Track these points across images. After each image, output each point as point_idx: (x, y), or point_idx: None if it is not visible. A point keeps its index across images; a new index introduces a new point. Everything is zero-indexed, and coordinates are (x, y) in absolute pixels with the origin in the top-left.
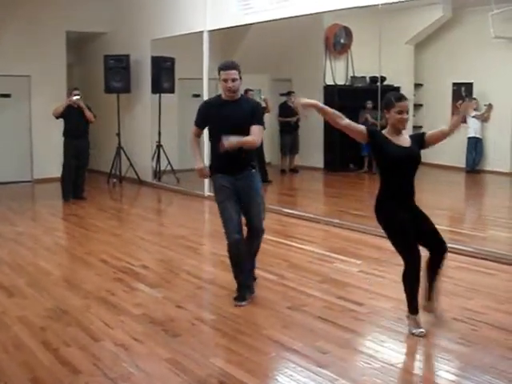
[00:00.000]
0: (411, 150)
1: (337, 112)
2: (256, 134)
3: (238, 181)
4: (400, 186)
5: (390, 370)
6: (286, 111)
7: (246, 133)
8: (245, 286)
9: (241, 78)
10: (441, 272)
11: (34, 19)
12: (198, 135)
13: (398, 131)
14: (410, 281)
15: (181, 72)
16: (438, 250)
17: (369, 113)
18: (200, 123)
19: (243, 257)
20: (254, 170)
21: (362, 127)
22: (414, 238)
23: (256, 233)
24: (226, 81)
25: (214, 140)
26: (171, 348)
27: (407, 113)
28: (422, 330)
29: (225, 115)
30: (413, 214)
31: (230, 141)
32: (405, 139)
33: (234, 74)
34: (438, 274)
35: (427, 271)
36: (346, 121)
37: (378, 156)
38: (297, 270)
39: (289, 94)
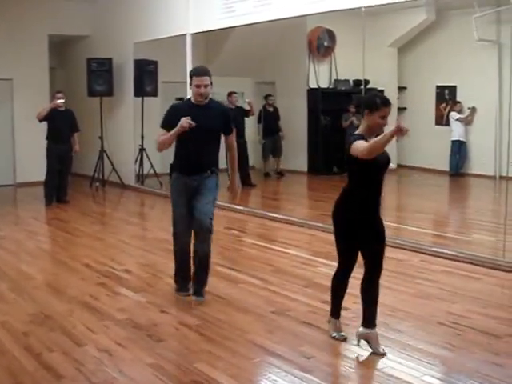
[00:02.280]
0: (387, 156)
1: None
2: (234, 146)
3: (194, 181)
4: (374, 194)
5: (375, 374)
6: (266, 115)
7: (217, 137)
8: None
9: (211, 84)
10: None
11: (16, 22)
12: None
13: (373, 135)
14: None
15: (164, 75)
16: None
17: (353, 116)
18: (168, 126)
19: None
20: (212, 174)
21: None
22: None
23: (202, 230)
24: (198, 86)
25: (182, 142)
26: (155, 353)
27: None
28: (342, 333)
29: (198, 119)
30: (375, 229)
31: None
32: None
33: (206, 80)
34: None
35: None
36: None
37: (361, 162)
38: (281, 274)
39: (265, 97)
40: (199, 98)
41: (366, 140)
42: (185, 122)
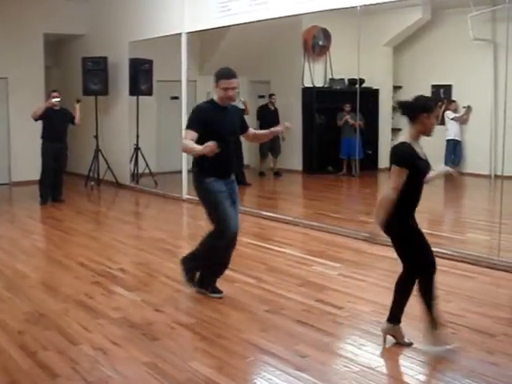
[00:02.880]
0: (428, 162)
1: (386, 203)
2: (254, 132)
3: (229, 184)
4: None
5: (370, 373)
6: (267, 114)
7: (238, 137)
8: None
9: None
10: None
11: (11, 21)
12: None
13: (419, 137)
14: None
15: (159, 74)
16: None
17: (347, 115)
18: (197, 127)
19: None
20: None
21: (397, 170)
22: None
23: (236, 233)
24: (226, 89)
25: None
26: (150, 352)
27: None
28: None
29: (224, 121)
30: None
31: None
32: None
33: (234, 82)
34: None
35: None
36: (394, 189)
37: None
38: (275, 273)
39: (270, 96)
40: (227, 101)
41: (414, 151)
42: (215, 147)
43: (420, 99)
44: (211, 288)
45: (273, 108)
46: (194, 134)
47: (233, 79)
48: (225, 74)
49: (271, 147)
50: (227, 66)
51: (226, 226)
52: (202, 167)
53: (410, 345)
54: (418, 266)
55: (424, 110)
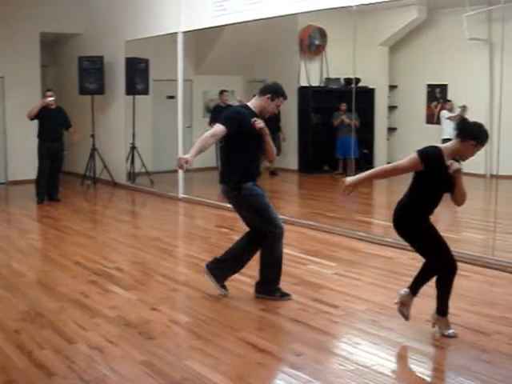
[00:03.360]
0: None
1: (377, 170)
2: None
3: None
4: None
5: (365, 372)
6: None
7: None
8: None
9: None
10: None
11: (7, 20)
12: (219, 137)
13: (453, 156)
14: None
15: (155, 73)
16: None
17: (343, 114)
18: (232, 127)
19: None
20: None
21: (413, 157)
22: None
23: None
24: (278, 106)
25: (248, 150)
26: (146, 350)
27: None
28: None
29: (257, 130)
30: None
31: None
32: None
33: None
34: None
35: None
36: (396, 166)
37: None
38: None
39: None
40: (269, 115)
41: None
42: (182, 164)
43: (481, 129)
44: (280, 292)
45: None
46: (223, 131)
47: (286, 99)
48: (284, 94)
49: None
50: (223, 65)
51: (279, 224)
52: (242, 172)
53: (453, 336)
54: (441, 262)
55: (477, 140)
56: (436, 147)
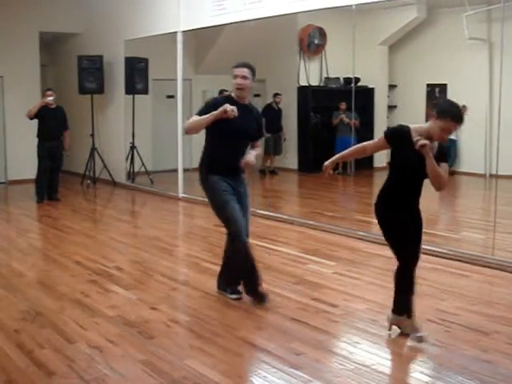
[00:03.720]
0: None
1: (349, 150)
2: (260, 148)
3: (235, 183)
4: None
5: (364, 371)
6: (271, 112)
7: (249, 141)
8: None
9: (252, 80)
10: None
11: (7, 19)
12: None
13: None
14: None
15: (154, 73)
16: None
17: (343, 114)
18: (201, 115)
19: (253, 259)
20: (244, 175)
21: (381, 136)
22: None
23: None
24: (235, 77)
25: (219, 141)
26: (146, 350)
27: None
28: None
29: (236, 118)
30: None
31: (251, 159)
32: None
33: (244, 71)
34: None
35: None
36: (365, 145)
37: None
38: (271, 271)
39: (274, 95)
40: (236, 91)
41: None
42: (229, 108)
43: (457, 107)
44: (230, 289)
45: (276, 108)
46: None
47: (242, 68)
48: (235, 64)
49: (275, 146)
50: (223, 64)
51: (235, 228)
52: (208, 164)
53: (419, 339)
54: (402, 252)
55: (442, 113)
56: (404, 126)
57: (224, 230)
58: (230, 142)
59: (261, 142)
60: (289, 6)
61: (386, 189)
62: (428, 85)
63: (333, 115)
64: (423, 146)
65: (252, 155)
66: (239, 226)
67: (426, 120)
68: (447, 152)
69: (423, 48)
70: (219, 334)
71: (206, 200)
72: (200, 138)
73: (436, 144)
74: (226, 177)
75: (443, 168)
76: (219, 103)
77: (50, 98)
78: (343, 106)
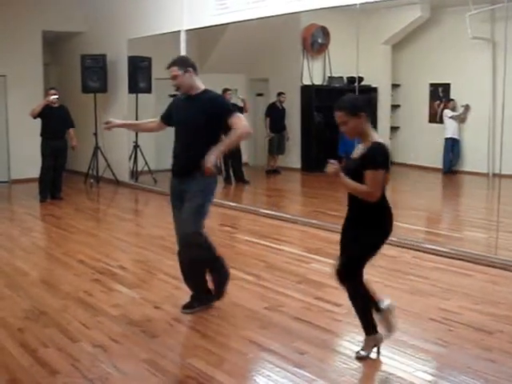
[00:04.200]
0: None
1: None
2: (237, 124)
3: (183, 183)
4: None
5: (368, 370)
6: (275, 112)
7: (204, 132)
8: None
9: (186, 72)
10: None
11: (10, 18)
12: (157, 128)
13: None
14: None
15: (158, 72)
16: None
17: None
18: (164, 117)
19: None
20: (201, 175)
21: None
22: None
23: (181, 241)
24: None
25: (174, 139)
26: (149, 349)
27: (343, 124)
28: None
29: (180, 113)
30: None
31: (211, 159)
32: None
33: (172, 70)
34: None
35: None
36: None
37: None
38: (274, 270)
39: (278, 94)
40: (176, 90)
41: None
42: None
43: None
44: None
45: (280, 107)
46: (159, 123)
47: (170, 68)
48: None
49: (278, 146)
50: (226, 63)
51: (176, 232)
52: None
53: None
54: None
55: (366, 110)
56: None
57: (228, 229)
58: (179, 137)
59: (239, 120)
60: (292, 5)
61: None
62: (431, 84)
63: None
64: (329, 175)
65: (211, 154)
66: (177, 239)
67: (429, 120)
68: (372, 157)
69: (427, 47)
70: (223, 333)
71: (213, 201)
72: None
73: (362, 148)
74: (176, 177)
75: (367, 176)
76: (175, 101)
77: (54, 97)
78: None
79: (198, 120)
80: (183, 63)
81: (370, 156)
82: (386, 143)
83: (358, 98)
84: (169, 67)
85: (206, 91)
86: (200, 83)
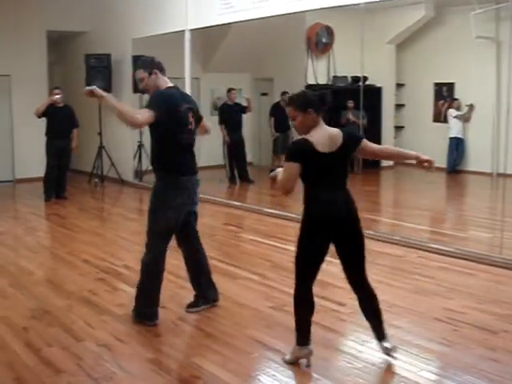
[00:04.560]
0: None
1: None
2: (137, 111)
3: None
4: None
5: (373, 369)
6: (279, 111)
7: (154, 132)
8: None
9: (151, 74)
10: None
11: (14, 18)
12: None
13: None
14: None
15: None
16: None
17: (351, 112)
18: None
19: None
20: (158, 180)
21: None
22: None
23: None
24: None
25: None
26: (154, 348)
27: (292, 119)
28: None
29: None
30: None
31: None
32: None
33: (137, 74)
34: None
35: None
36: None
37: None
38: (279, 269)
39: (282, 94)
40: (143, 93)
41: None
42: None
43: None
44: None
45: (285, 106)
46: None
47: (136, 71)
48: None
49: (283, 146)
50: (231, 63)
51: None
52: None
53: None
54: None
55: (315, 106)
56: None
57: (232, 228)
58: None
59: (140, 111)
60: (296, 4)
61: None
62: (436, 84)
63: (341, 114)
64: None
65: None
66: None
67: (434, 119)
68: (288, 148)
69: (431, 47)
70: (228, 333)
71: (215, 199)
72: (209, 138)
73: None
74: None
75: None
76: None
77: (58, 97)
78: (351, 104)
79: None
80: (148, 65)
81: (288, 148)
82: (390, 142)
83: (308, 94)
84: (134, 71)
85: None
86: (165, 83)
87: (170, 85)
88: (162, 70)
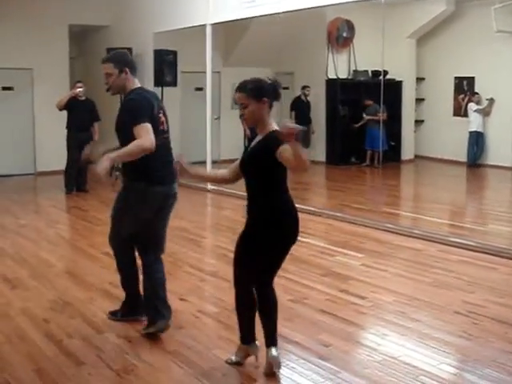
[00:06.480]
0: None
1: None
2: (140, 134)
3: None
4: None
5: (392, 362)
6: (300, 105)
7: (126, 135)
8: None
9: (122, 72)
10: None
11: (36, 12)
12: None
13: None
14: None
15: (183, 65)
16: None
17: (371, 107)
18: None
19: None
20: (131, 182)
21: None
22: None
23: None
24: None
25: None
26: (174, 340)
27: (242, 107)
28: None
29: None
30: None
31: (101, 166)
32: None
33: (105, 68)
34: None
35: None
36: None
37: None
38: (299, 263)
39: (303, 88)
40: (107, 90)
41: None
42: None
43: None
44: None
45: (305, 100)
46: None
47: (103, 64)
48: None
49: (304, 139)
50: (251, 57)
51: None
52: None
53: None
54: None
55: (271, 96)
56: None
57: None
58: None
59: (143, 131)
60: None
61: None
62: (456, 78)
63: (363, 114)
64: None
65: (103, 160)
66: None
67: (454, 113)
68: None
69: (451, 41)
70: None
71: (236, 192)
72: (230, 131)
73: (260, 137)
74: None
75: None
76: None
77: (80, 90)
78: (369, 102)
79: (117, 126)
80: (121, 61)
81: (269, 142)
82: (410, 136)
83: (263, 82)
84: (103, 62)
85: (131, 92)
86: (133, 84)
87: (138, 85)
88: (133, 70)
